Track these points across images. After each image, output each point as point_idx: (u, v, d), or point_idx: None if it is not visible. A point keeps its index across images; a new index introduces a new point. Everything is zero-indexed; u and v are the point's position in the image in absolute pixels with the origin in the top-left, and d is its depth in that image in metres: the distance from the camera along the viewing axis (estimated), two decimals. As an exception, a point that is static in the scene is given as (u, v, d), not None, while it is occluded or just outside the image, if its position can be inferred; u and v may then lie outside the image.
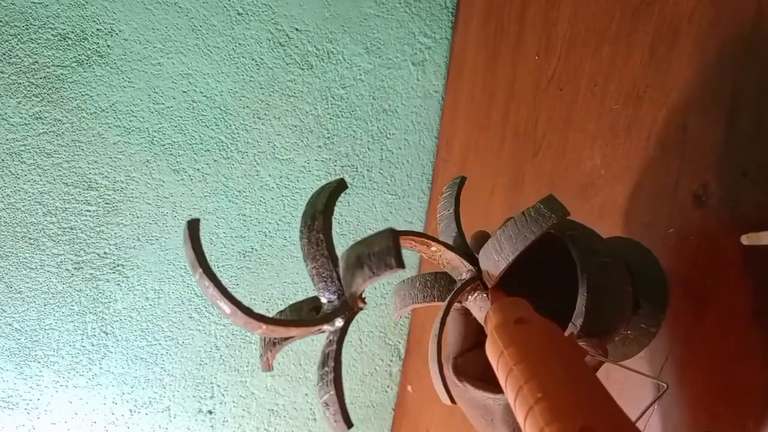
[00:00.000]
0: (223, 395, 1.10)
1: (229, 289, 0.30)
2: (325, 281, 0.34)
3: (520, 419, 0.30)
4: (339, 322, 0.33)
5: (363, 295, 0.34)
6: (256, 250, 1.03)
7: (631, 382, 0.57)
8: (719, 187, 0.48)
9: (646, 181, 0.57)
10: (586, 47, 0.66)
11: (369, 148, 1.04)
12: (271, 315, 0.32)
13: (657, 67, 0.56)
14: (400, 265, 0.30)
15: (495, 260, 0.40)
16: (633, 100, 0.59)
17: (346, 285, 0.33)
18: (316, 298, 0.35)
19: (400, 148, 1.06)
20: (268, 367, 0.36)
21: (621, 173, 0.60)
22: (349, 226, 1.07)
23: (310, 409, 1.17)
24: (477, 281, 0.42)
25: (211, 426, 1.11)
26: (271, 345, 0.36)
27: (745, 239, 0.44)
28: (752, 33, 0.46)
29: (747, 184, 0.45)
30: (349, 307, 0.33)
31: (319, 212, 0.34)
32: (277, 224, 1.03)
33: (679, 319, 0.51)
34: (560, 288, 0.45)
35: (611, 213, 0.61)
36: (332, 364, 0.32)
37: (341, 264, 0.34)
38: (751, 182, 0.45)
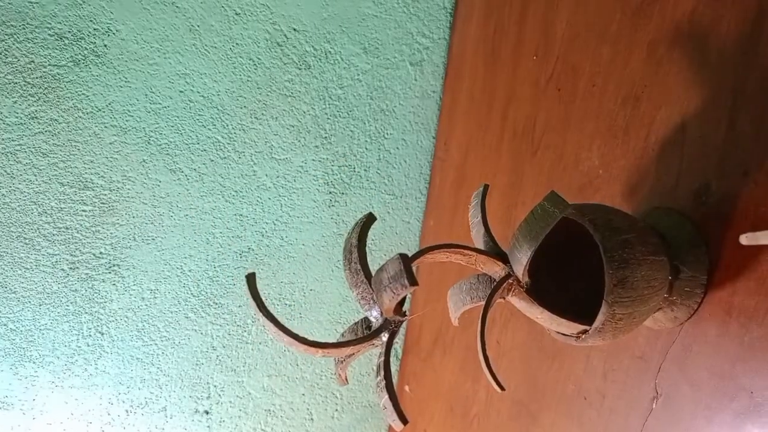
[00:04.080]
0: (219, 395, 1.09)
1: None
2: (369, 303, 0.40)
3: None
4: (384, 337, 0.38)
5: (403, 309, 0.39)
6: (253, 250, 1.03)
7: (630, 382, 0.57)
8: (719, 187, 0.48)
9: (646, 181, 0.57)
10: (586, 47, 0.66)
11: (366, 148, 1.04)
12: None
13: (656, 67, 0.56)
14: (414, 283, 0.35)
15: (518, 257, 0.43)
16: (632, 100, 0.59)
17: (380, 305, 0.39)
18: (367, 318, 0.41)
19: (397, 148, 1.06)
20: (344, 382, 0.42)
21: (619, 173, 0.60)
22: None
23: (307, 409, 1.16)
24: (511, 277, 0.45)
25: (208, 426, 1.10)
26: (340, 362, 0.41)
27: (744, 239, 0.44)
28: (752, 32, 0.46)
29: (747, 184, 0.45)
30: (389, 323, 0.38)
31: (354, 246, 0.40)
32: (274, 224, 1.03)
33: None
34: (597, 268, 0.46)
35: (610, 213, 0.61)
36: (383, 373, 0.37)
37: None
38: (751, 182, 0.45)
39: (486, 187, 0.51)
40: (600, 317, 0.43)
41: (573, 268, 0.52)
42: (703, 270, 0.49)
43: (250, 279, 0.34)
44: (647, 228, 0.48)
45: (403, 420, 0.36)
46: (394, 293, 0.36)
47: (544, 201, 0.42)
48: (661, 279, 0.46)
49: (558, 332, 0.47)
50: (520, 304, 0.46)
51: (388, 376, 0.36)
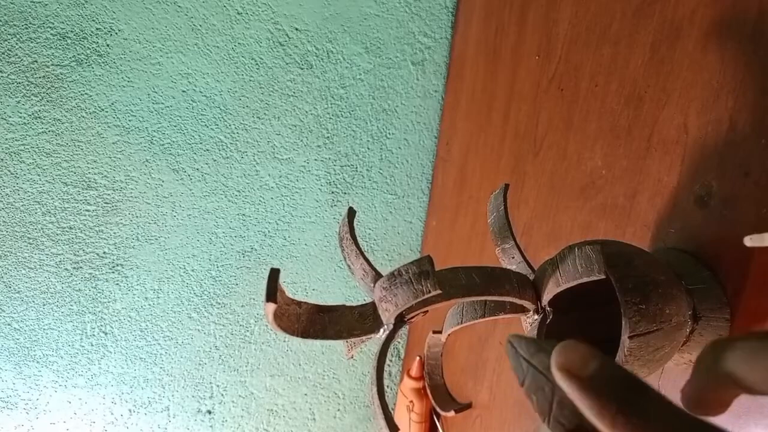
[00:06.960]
0: (222, 395, 1.09)
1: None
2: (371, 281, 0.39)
3: None
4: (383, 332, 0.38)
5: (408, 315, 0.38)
6: (256, 250, 1.03)
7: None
8: (721, 188, 0.47)
9: (648, 182, 0.56)
10: (587, 47, 0.66)
11: (369, 148, 1.04)
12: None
13: (658, 68, 0.56)
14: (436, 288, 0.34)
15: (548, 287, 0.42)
16: (634, 100, 0.59)
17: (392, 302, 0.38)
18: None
19: (399, 147, 1.05)
20: (349, 357, 0.41)
21: (622, 174, 0.60)
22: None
23: (309, 409, 1.16)
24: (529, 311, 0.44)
25: (210, 426, 1.10)
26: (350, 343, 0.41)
27: (749, 240, 0.43)
28: (753, 32, 0.45)
29: (749, 185, 0.45)
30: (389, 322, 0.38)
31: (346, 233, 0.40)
32: (277, 224, 1.03)
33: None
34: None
35: (612, 213, 0.61)
36: (375, 378, 0.37)
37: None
38: (753, 182, 0.45)
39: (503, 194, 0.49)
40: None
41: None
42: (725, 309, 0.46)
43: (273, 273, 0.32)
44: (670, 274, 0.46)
45: (393, 429, 0.34)
46: (415, 292, 0.34)
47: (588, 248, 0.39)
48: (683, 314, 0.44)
49: None
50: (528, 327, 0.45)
51: (380, 382, 0.36)
